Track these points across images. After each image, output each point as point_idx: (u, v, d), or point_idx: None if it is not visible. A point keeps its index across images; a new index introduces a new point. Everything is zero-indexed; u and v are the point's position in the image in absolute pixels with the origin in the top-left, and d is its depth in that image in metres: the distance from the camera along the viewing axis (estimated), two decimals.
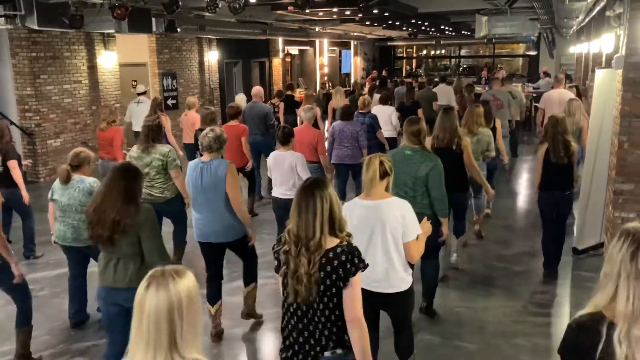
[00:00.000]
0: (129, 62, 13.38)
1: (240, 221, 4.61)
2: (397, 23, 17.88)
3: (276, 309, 5.00)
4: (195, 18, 12.10)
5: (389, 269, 3.42)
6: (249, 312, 4.98)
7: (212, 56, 16.02)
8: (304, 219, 2.61)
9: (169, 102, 14.20)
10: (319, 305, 2.64)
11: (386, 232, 3.37)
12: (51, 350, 4.65)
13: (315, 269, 2.57)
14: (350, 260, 2.60)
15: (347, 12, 14.14)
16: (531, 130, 15.00)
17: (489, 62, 28.41)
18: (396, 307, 3.62)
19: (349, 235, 2.72)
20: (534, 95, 16.12)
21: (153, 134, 5.70)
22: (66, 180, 4.70)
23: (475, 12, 11.08)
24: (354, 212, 3.41)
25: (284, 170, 5.77)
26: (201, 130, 7.04)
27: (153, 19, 10.25)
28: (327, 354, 2.68)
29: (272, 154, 6.00)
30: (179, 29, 11.31)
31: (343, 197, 7.89)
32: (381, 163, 3.39)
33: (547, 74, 19.00)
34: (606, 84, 6.27)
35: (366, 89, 14.73)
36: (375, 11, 13.31)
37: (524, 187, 10.08)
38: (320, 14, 14.26)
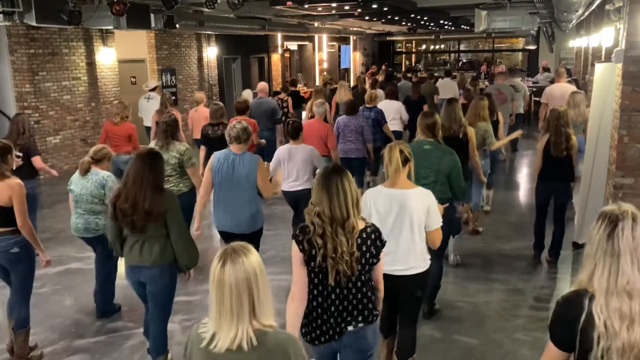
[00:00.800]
0: (128, 59, 13.36)
1: (259, 213, 4.85)
2: (397, 18, 17.81)
3: (281, 305, 5.00)
4: (194, 14, 12.07)
5: (410, 254, 3.56)
6: None
7: (211, 52, 15.98)
8: (337, 201, 2.74)
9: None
10: (357, 282, 2.84)
11: (412, 221, 3.50)
12: (52, 347, 4.66)
13: (354, 248, 2.75)
14: (378, 238, 2.85)
15: (346, 7, 14.08)
16: (530, 124, 14.98)
17: (488, 57, 28.37)
18: (412, 288, 3.68)
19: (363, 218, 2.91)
20: (534, 89, 16.13)
21: (171, 129, 5.71)
22: (86, 171, 4.85)
23: (475, 7, 11.04)
24: (378, 199, 3.54)
25: (297, 163, 5.85)
26: (211, 125, 7.08)
27: (152, 15, 10.23)
28: (350, 328, 2.88)
29: (284, 147, 6.08)
30: (177, 25, 11.29)
31: None
32: (401, 151, 3.48)
33: (546, 69, 18.98)
34: (606, 78, 6.26)
35: (367, 84, 14.73)
36: (374, 6, 13.27)
37: (524, 181, 10.09)
38: (319, 9, 14.20)
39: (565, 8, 9.19)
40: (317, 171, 3.54)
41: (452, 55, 31.04)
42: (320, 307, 2.86)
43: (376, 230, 2.85)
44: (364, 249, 2.79)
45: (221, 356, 1.93)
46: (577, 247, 6.45)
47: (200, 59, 15.64)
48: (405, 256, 3.54)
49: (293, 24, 16.74)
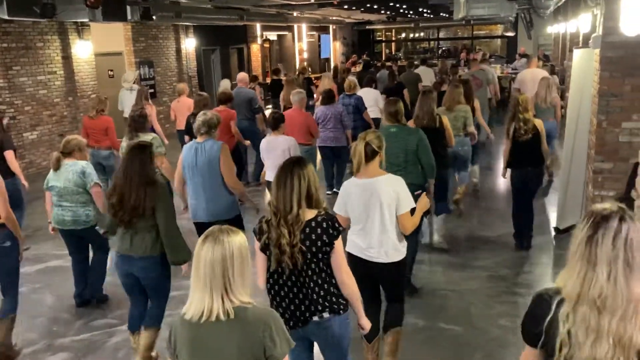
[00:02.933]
0: (105, 52, 13.14)
1: (233, 201, 4.86)
2: (375, 6, 17.77)
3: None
4: (171, 5, 11.88)
5: (383, 241, 3.59)
6: None
7: (190, 43, 15.79)
8: (282, 194, 2.83)
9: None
10: (307, 271, 2.85)
11: (382, 207, 3.54)
12: (33, 347, 4.58)
13: (296, 240, 2.78)
14: (332, 226, 2.85)
15: None
16: (504, 110, 15.06)
17: (467, 44, 28.45)
18: (389, 276, 3.75)
19: (325, 209, 2.94)
20: (513, 76, 16.25)
21: (135, 124, 5.92)
22: (57, 165, 4.85)
23: None
24: (351, 190, 3.62)
25: (277, 154, 5.88)
26: (194, 115, 7.17)
27: (128, 7, 10.05)
28: (315, 318, 2.89)
29: (264, 140, 6.22)
30: (154, 17, 11.10)
31: (331, 178, 8.11)
32: (367, 144, 3.53)
33: (523, 55, 19.10)
34: (584, 64, 6.31)
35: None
36: None
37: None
38: None
39: None
40: None
41: (432, 43, 31.08)
42: (278, 296, 2.92)
43: (330, 219, 2.86)
44: (314, 237, 2.80)
45: (203, 326, 2.06)
46: (559, 232, 6.52)
47: (178, 51, 15.45)
48: (378, 244, 3.59)
49: (272, 13, 16.60)
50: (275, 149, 5.95)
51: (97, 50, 12.51)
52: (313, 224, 2.82)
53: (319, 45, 25.11)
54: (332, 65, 23.72)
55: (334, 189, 8.16)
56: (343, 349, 3.05)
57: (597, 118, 5.60)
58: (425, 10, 20.46)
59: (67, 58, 11.63)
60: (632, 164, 4.99)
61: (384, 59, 25.87)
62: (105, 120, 7.64)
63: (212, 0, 8.84)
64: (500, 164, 10.47)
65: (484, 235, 6.71)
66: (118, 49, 13.59)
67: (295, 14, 17.54)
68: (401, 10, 19.81)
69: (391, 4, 16.70)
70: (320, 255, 2.84)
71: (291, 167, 2.87)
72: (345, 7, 17.58)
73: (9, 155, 6.31)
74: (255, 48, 19.70)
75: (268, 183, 6.11)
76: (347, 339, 3.06)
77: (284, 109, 10.47)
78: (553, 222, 6.76)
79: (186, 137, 7.42)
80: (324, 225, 2.83)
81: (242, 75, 9.78)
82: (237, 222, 4.84)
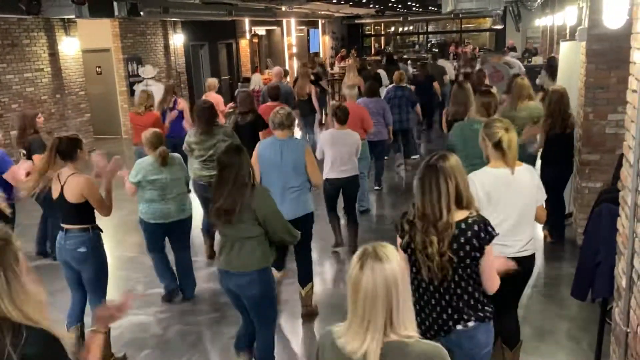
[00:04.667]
0: (92, 48, 13.06)
1: (307, 198, 4.68)
2: (364, 0, 17.78)
3: None
4: (158, 0, 11.82)
5: (529, 233, 3.41)
6: (308, 312, 4.86)
7: (178, 39, 15.72)
8: (429, 199, 2.56)
9: (135, 87, 13.90)
10: (454, 277, 2.61)
11: (530, 197, 3.35)
12: None
13: (446, 248, 2.53)
14: (484, 230, 2.57)
15: None
16: None
17: (455, 38, 28.52)
18: (530, 271, 3.52)
19: (477, 209, 2.68)
20: None
21: (210, 114, 5.68)
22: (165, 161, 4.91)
23: None
24: (487, 181, 3.31)
25: (344, 148, 5.76)
26: (241, 113, 6.60)
27: (115, 3, 9.96)
28: (459, 327, 2.65)
29: (327, 132, 6.02)
30: (142, 13, 11.03)
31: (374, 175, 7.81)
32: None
33: (511, 48, 19.16)
34: (571, 56, 6.35)
35: (336, 67, 14.73)
36: None
37: None
38: None
39: None
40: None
41: (421, 36, 31.12)
42: (422, 299, 2.70)
43: (482, 222, 2.58)
44: (462, 240, 2.55)
45: None
46: (548, 223, 6.53)
47: (166, 47, 15.37)
48: (525, 236, 3.37)
49: (260, 8, 16.54)
50: (340, 144, 5.75)
51: (84, 46, 12.43)
52: (463, 225, 2.55)
53: (308, 40, 25.09)
54: (323, 60, 23.67)
55: (375, 187, 8.16)
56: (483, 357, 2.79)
57: (583, 110, 5.65)
58: (413, 4, 20.48)
59: (54, 55, 11.54)
60: (618, 156, 5.05)
61: (373, 53, 25.87)
62: (152, 116, 7.44)
63: None
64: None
65: None
66: (106, 45, 13.50)
67: (283, 8, 17.48)
68: (389, 4, 19.82)
69: None
70: (468, 260, 2.57)
71: (435, 167, 2.55)
72: (334, 1, 17.57)
73: (34, 159, 5.85)
74: (244, 43, 19.63)
75: (329, 180, 5.80)
76: (490, 349, 2.78)
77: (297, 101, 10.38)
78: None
79: None
80: (475, 227, 2.55)
81: (277, 70, 9.74)
82: (307, 221, 4.71)
